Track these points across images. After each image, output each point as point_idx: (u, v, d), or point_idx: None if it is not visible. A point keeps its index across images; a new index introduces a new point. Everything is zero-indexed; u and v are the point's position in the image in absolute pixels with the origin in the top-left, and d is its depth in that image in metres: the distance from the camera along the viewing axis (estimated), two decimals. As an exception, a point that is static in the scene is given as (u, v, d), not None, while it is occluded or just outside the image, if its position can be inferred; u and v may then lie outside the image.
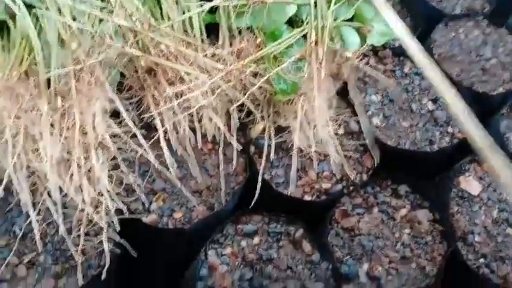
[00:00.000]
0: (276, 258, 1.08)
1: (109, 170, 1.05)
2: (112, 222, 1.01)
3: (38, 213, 0.99)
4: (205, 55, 1.12)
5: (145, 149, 1.08)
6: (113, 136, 1.08)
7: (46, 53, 1.10)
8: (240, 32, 1.24)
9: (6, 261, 0.96)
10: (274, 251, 1.09)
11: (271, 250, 1.09)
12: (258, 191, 1.14)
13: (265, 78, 1.10)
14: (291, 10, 1.25)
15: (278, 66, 1.14)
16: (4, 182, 0.95)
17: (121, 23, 1.05)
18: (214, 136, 1.18)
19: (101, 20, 1.17)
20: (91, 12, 1.09)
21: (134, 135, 1.09)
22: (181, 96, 1.09)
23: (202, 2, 1.18)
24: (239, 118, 1.19)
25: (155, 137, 1.11)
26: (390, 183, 1.26)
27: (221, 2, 1.18)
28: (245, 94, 1.14)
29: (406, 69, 1.41)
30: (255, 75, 1.17)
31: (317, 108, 1.16)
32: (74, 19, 1.09)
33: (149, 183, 1.12)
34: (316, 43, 1.17)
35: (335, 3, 1.24)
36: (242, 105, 1.18)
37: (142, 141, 1.08)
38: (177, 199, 1.12)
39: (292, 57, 1.14)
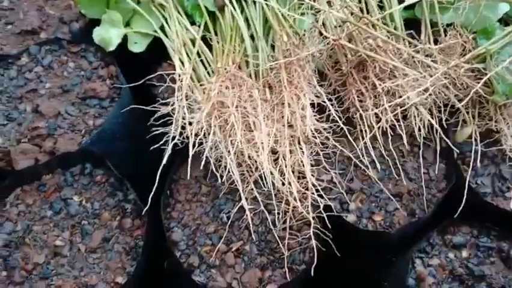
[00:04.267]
0: (489, 275, 0.98)
1: (311, 165, 1.03)
2: (316, 218, 0.98)
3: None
4: (417, 51, 1.06)
5: (345, 146, 1.06)
6: (315, 131, 1.05)
7: (254, 44, 1.11)
8: (444, 29, 1.16)
9: (216, 248, 0.97)
10: (486, 268, 0.99)
11: (483, 266, 0.99)
12: (464, 200, 1.04)
13: (486, 77, 1.00)
14: (505, 8, 1.14)
15: (495, 65, 1.05)
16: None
17: (337, 14, 1.02)
18: (412, 137, 1.12)
19: (302, 14, 1.16)
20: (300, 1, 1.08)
21: (333, 132, 1.06)
22: (390, 93, 1.04)
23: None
24: (440, 119, 1.11)
25: (356, 135, 1.08)
26: None
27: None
28: (452, 93, 1.06)
29: None
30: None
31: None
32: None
33: (348, 182, 1.08)
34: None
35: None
36: (445, 105, 1.10)
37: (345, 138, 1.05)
38: (376, 201, 1.06)
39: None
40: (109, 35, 1.16)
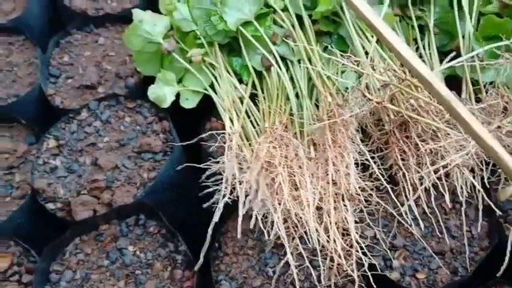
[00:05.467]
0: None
1: (355, 222, 1.06)
2: (361, 276, 1.00)
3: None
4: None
5: (388, 203, 1.09)
6: (358, 188, 1.09)
7: (299, 102, 1.17)
8: (486, 88, 1.19)
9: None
10: (530, 330, 0.99)
11: (527, 328, 0.99)
12: (506, 259, 1.05)
13: (530, 139, 1.02)
14: (549, 67, 1.16)
15: (538, 126, 1.07)
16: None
17: (379, 77, 1.07)
18: (454, 194, 1.14)
19: (343, 72, 1.22)
20: (344, 64, 1.13)
21: (376, 189, 1.10)
22: (432, 153, 1.08)
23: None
24: (482, 178, 1.13)
25: (398, 191, 1.11)
26: None
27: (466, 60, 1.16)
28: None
29: None
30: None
31: None
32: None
33: (391, 239, 1.10)
34: None
35: None
36: (487, 163, 1.12)
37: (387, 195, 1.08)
38: (419, 258, 1.08)
39: (556, 118, 1.06)
40: (163, 92, 1.25)
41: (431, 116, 1.09)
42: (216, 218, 1.01)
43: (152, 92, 1.26)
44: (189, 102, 1.27)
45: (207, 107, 1.28)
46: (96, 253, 1.10)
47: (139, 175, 1.18)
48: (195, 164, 1.10)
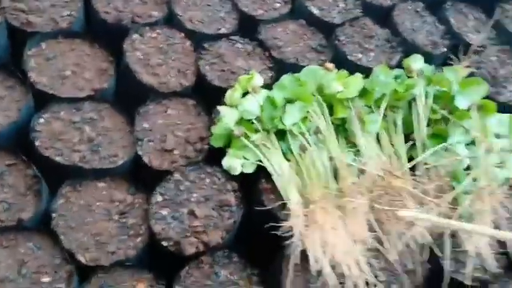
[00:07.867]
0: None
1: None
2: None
3: None
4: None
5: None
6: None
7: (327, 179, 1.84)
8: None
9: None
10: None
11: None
12: None
13: None
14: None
15: None
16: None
17: (374, 173, 1.78)
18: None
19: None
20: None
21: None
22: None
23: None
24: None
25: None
26: None
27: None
28: None
29: None
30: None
31: None
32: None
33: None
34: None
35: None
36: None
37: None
38: None
39: None
40: (234, 164, 1.83)
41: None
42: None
43: (226, 162, 1.84)
44: (248, 169, 1.87)
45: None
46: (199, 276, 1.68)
47: (222, 221, 1.77)
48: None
